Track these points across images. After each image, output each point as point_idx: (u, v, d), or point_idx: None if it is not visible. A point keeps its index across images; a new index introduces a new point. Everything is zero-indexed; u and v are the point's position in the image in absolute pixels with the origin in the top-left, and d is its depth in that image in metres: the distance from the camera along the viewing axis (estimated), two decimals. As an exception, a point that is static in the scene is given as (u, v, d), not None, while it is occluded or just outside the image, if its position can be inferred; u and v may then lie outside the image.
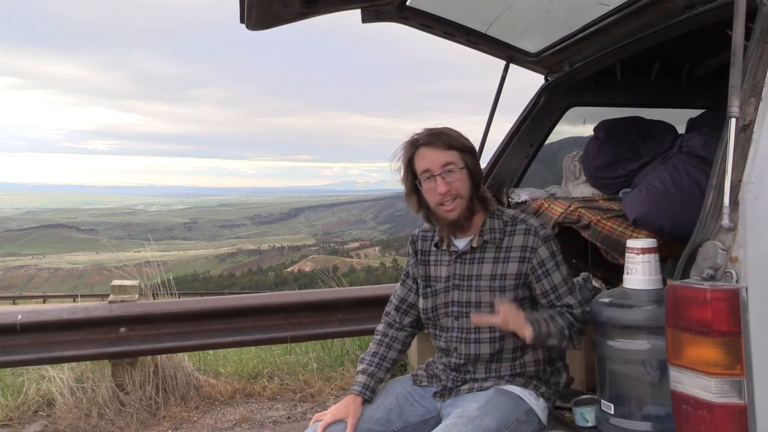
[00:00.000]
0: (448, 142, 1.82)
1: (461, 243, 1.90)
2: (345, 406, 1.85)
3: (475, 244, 1.87)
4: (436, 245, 1.97)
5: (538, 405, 1.83)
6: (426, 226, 2.04)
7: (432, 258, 1.97)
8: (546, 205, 2.60)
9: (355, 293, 4.39)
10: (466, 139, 1.89)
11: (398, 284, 2.12)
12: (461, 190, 1.82)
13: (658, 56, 2.92)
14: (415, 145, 1.86)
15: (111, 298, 3.80)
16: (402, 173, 1.91)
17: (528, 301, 1.87)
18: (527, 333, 1.66)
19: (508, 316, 1.68)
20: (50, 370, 3.81)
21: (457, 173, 1.81)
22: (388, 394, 1.92)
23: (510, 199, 2.85)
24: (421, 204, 1.91)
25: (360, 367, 1.98)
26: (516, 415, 1.76)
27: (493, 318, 1.71)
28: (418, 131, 1.89)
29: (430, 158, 1.82)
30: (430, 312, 1.94)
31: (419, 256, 2.01)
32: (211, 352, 4.40)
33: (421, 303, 1.98)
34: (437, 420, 1.84)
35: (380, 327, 2.08)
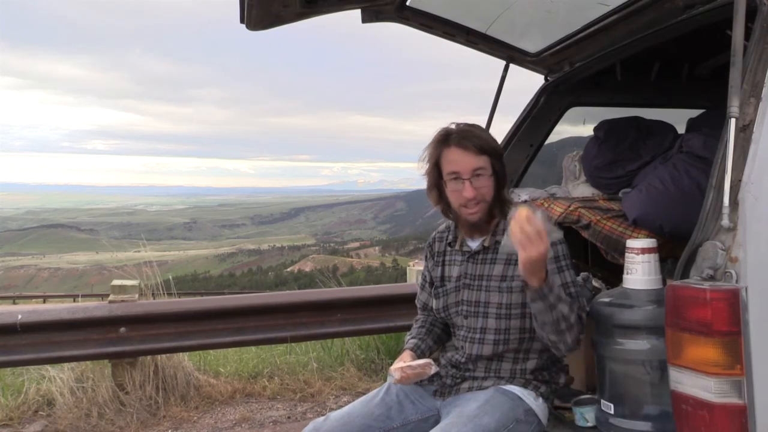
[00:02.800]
0: (480, 146, 1.78)
1: (474, 243, 1.92)
2: (402, 357, 1.91)
3: (486, 244, 1.88)
4: (449, 245, 1.98)
5: (537, 405, 1.83)
6: (441, 227, 2.06)
7: (446, 258, 1.99)
8: (546, 205, 2.60)
9: (355, 293, 4.39)
10: (496, 142, 1.88)
11: (418, 288, 2.15)
12: (486, 195, 1.82)
13: (658, 56, 2.92)
14: (445, 143, 1.82)
15: (111, 298, 3.80)
16: (427, 167, 1.88)
17: None
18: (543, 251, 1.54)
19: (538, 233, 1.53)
20: (50, 370, 3.81)
21: (485, 179, 1.80)
22: (389, 392, 1.93)
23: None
24: (441, 199, 1.90)
25: (407, 338, 2.04)
26: (515, 415, 1.76)
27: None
28: (450, 126, 1.86)
29: (460, 161, 1.79)
30: (442, 311, 1.97)
31: (436, 258, 2.03)
32: (211, 352, 4.40)
33: (433, 303, 2.01)
34: (437, 419, 1.85)
35: (419, 317, 2.12)
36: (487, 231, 1.89)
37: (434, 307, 2.00)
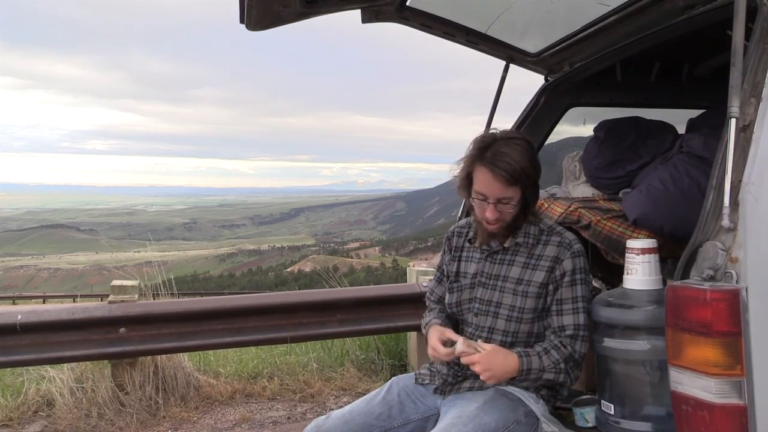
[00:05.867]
0: (512, 176, 1.72)
1: (494, 242, 1.92)
2: (437, 330, 1.88)
3: (507, 245, 1.88)
4: (469, 241, 2.00)
5: (537, 407, 1.83)
6: (461, 222, 2.08)
7: (464, 254, 2.00)
8: (546, 206, 2.60)
9: (355, 293, 4.39)
10: (533, 166, 1.77)
11: (433, 281, 2.15)
12: (508, 218, 1.81)
13: (658, 56, 2.91)
14: (480, 160, 1.76)
15: (111, 298, 3.80)
16: (460, 172, 1.85)
17: (544, 316, 1.87)
18: (514, 365, 1.73)
19: (491, 356, 1.72)
20: (50, 370, 3.80)
21: (511, 206, 1.78)
22: (390, 391, 1.94)
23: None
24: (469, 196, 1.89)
25: (427, 320, 2.03)
26: (515, 416, 1.76)
27: (474, 357, 1.73)
28: (491, 135, 1.80)
29: (489, 185, 1.76)
30: (454, 306, 1.98)
31: (453, 252, 2.04)
32: (211, 352, 4.39)
33: (447, 297, 2.02)
34: (437, 418, 1.85)
35: (434, 308, 2.11)
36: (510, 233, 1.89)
37: (446, 301, 2.01)
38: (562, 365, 1.77)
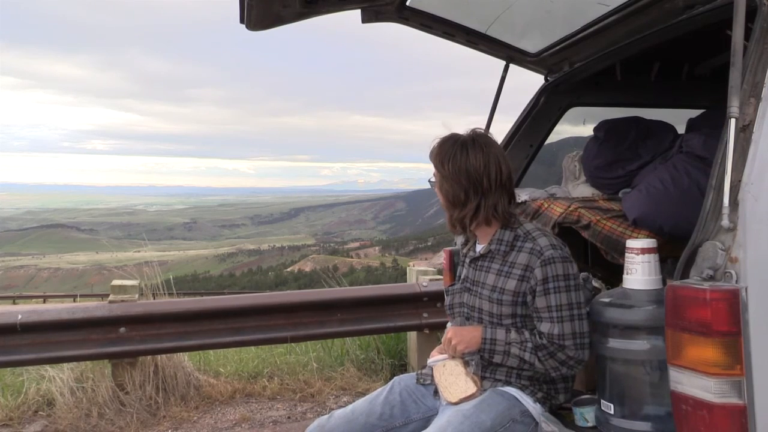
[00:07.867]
0: (432, 158, 1.93)
1: (479, 248, 1.96)
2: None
3: (483, 251, 1.91)
4: (463, 245, 2.09)
5: (534, 408, 1.83)
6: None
7: (465, 260, 2.07)
8: (546, 206, 2.60)
9: (355, 293, 4.39)
10: (450, 161, 1.84)
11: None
12: (442, 202, 1.94)
13: (658, 56, 2.92)
14: None
15: (111, 298, 3.81)
16: None
17: (528, 320, 1.85)
18: (479, 333, 1.81)
19: (458, 328, 1.89)
20: (50, 370, 3.81)
21: (437, 188, 1.94)
22: (392, 391, 1.95)
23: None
24: None
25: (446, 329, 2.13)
26: (511, 415, 1.76)
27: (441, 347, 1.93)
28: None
29: None
30: (447, 309, 2.04)
31: (460, 260, 2.12)
32: (211, 352, 4.40)
33: (445, 300, 2.10)
34: (438, 418, 1.85)
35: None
36: (487, 238, 1.91)
37: (444, 304, 2.09)
38: (529, 344, 1.77)
